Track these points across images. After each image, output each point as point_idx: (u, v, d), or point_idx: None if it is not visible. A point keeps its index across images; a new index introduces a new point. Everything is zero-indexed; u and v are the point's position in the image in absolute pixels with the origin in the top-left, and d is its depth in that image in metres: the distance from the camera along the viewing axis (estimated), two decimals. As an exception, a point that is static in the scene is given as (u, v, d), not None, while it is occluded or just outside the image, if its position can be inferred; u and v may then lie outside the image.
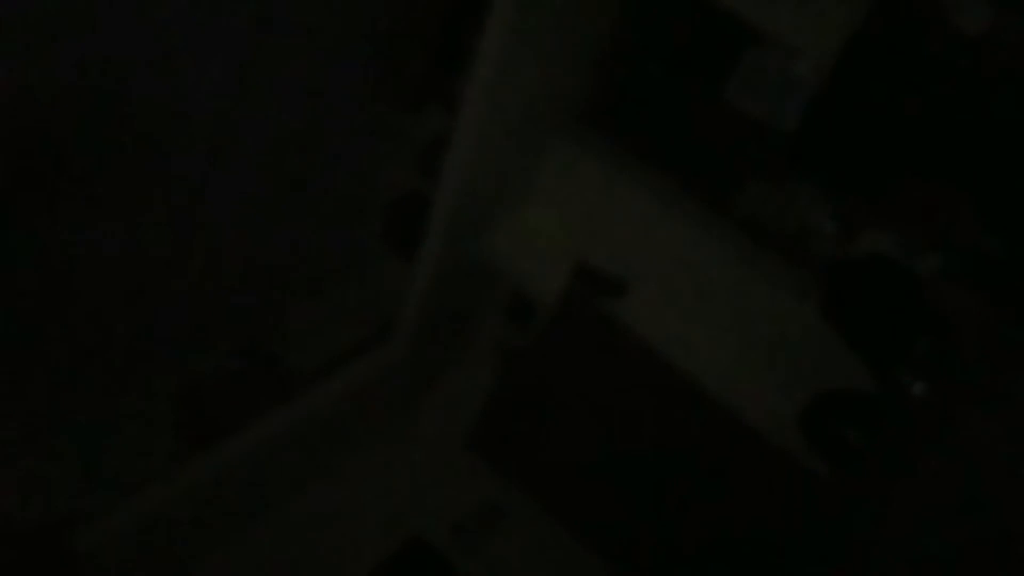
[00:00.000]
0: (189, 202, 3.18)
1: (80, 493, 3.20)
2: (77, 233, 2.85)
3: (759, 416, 3.31)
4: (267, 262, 3.80)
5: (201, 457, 3.09)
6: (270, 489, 3.55)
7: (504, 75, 2.87)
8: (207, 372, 3.67)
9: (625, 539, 3.76)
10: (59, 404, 3.26)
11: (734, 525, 3.45)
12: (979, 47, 2.60)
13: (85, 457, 3.34)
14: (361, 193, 4.04)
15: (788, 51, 3.00)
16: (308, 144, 3.52)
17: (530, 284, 3.74)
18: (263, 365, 3.68)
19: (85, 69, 2.47)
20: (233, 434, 3.16)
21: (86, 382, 3.32)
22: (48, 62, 2.36)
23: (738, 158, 3.31)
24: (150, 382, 3.58)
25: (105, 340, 3.27)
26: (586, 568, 3.97)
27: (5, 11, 2.13)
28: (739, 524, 3.43)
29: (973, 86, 2.69)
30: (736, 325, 3.30)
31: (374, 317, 4.16)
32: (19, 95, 2.34)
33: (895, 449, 2.73)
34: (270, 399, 3.45)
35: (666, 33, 3.38)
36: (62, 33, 2.34)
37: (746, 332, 3.27)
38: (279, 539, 3.61)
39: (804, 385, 3.20)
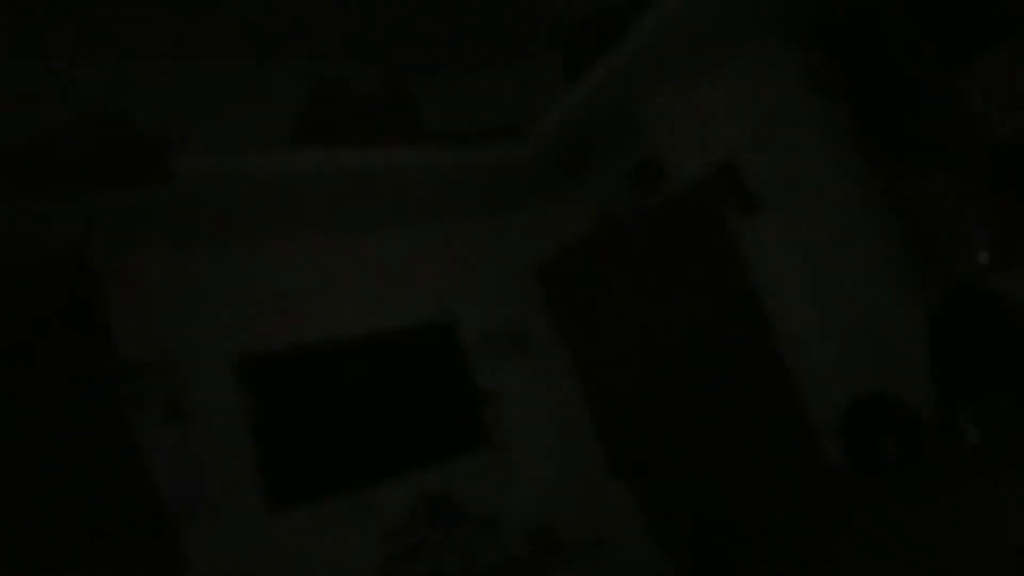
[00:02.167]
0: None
1: (195, 126, 3.37)
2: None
3: (810, 387, 3.28)
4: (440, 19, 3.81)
5: (310, 150, 3.21)
6: (352, 211, 3.71)
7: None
8: (342, 82, 3.73)
9: (626, 424, 3.86)
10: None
11: (727, 468, 3.50)
12: None
13: (213, 102, 3.51)
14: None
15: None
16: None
17: (670, 159, 3.66)
18: (394, 93, 3.72)
19: None
20: (347, 146, 3.27)
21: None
22: None
23: (939, 147, 3.11)
24: (288, 66, 3.71)
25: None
26: (576, 422, 4.12)
27: None
28: (731, 468, 3.49)
29: None
30: (837, 296, 3.20)
31: (512, 114, 4.15)
32: None
33: (921, 477, 2.70)
34: (390, 132, 3.53)
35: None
36: None
37: (843, 306, 3.18)
38: (332, 252, 3.83)
39: (867, 383, 3.14)
